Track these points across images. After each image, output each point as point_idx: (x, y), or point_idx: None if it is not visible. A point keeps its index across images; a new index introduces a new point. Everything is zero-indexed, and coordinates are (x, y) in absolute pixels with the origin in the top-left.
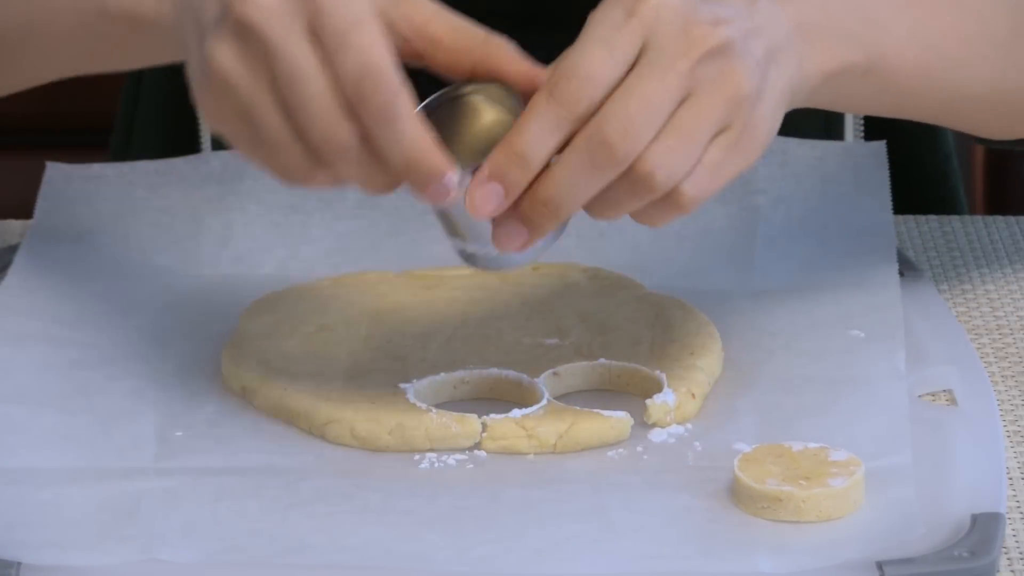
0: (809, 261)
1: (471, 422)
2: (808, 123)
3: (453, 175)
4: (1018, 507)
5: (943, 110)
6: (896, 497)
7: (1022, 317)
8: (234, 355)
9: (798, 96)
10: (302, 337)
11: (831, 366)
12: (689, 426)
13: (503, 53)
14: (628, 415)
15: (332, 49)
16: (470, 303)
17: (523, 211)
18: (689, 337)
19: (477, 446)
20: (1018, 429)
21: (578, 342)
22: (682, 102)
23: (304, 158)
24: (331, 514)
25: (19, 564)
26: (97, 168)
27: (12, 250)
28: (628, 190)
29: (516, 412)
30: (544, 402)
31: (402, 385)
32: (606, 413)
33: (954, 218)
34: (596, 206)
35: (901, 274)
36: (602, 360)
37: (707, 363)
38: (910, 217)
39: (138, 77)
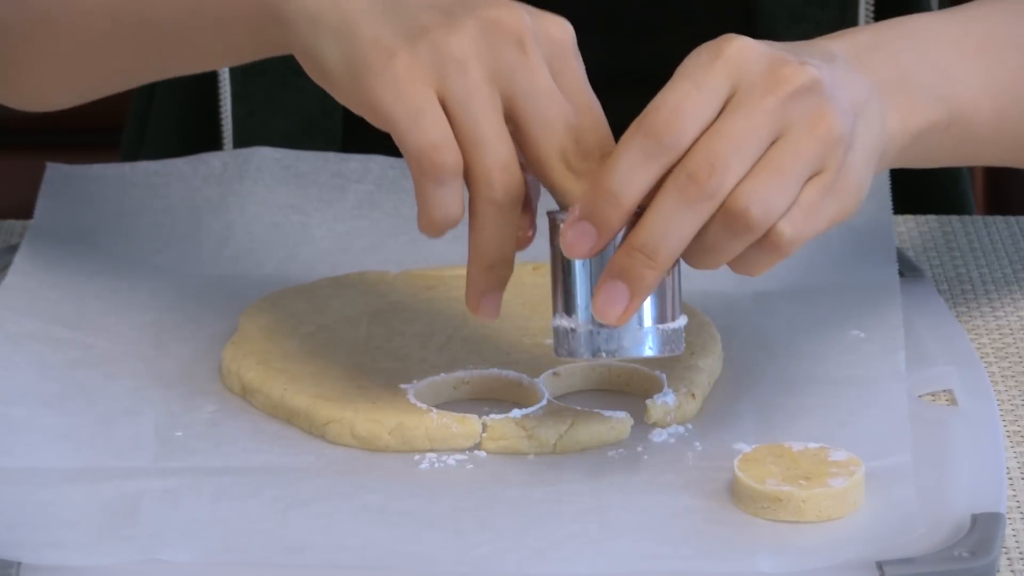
0: (809, 261)
1: (471, 422)
2: None
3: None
4: (1018, 507)
5: (1017, 153)
6: (896, 497)
7: (1022, 317)
8: (234, 355)
9: (887, 157)
10: (302, 337)
11: (831, 366)
12: (689, 426)
13: None
14: (628, 415)
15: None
16: None
17: (619, 264)
18: (689, 337)
19: (477, 446)
20: (1018, 429)
21: None
22: (775, 141)
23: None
24: (331, 514)
25: (19, 564)
26: (97, 168)
27: (12, 250)
28: (725, 231)
29: (516, 412)
30: (544, 402)
31: (402, 385)
32: (606, 413)
33: (954, 218)
34: (695, 253)
35: (901, 274)
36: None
37: (707, 363)
38: (910, 217)
39: None
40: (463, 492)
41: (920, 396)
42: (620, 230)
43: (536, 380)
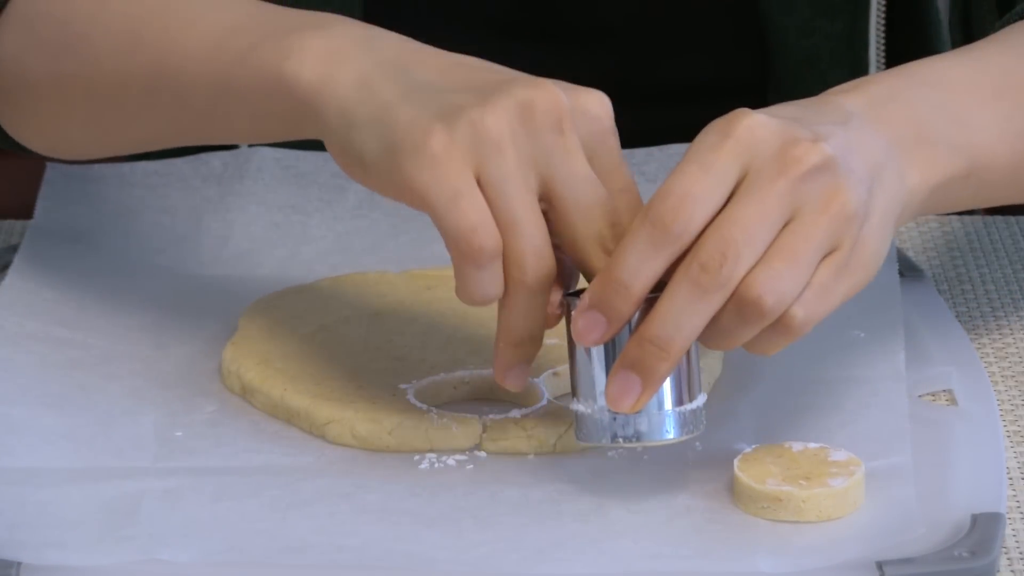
0: None
1: (471, 422)
2: None
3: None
4: (1018, 507)
5: None
6: (896, 497)
7: (1022, 317)
8: (234, 355)
9: (907, 212)
10: (302, 337)
11: (831, 366)
12: None
13: None
14: None
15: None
16: None
17: (632, 355)
18: None
19: (477, 446)
20: (1018, 429)
21: None
22: (788, 223)
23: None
24: (331, 514)
25: (19, 564)
26: (97, 168)
27: (12, 250)
28: (737, 318)
29: (516, 412)
30: (544, 402)
31: (402, 385)
32: None
33: (954, 218)
34: (709, 337)
35: (901, 274)
36: None
37: (707, 363)
38: None
39: None
40: (463, 492)
41: (920, 396)
42: (631, 318)
43: (536, 380)
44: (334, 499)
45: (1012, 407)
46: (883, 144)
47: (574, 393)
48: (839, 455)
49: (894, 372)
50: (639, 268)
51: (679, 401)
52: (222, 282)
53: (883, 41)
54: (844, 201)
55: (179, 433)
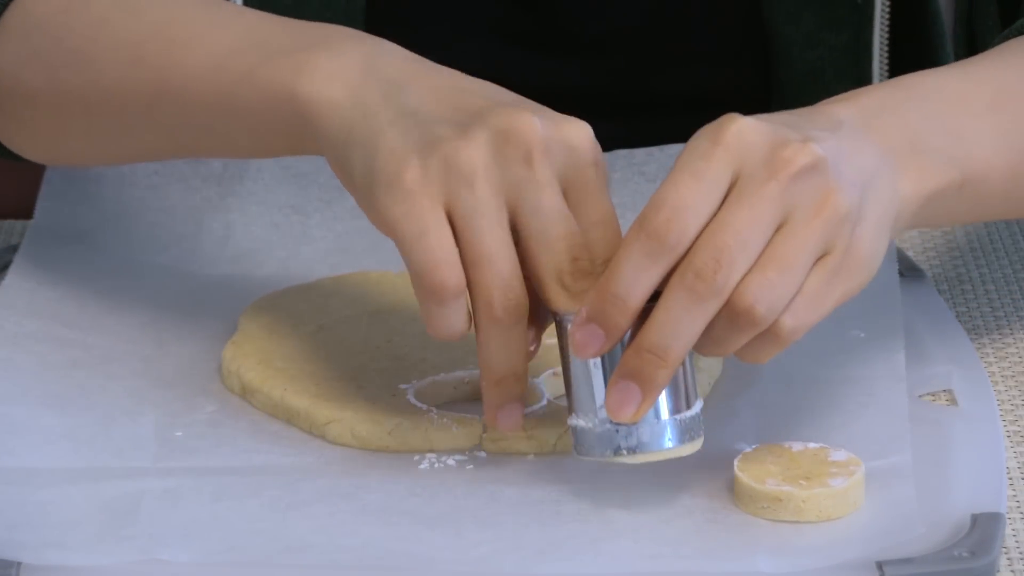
0: None
1: (471, 422)
2: None
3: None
4: (1018, 507)
5: None
6: (896, 497)
7: (1022, 317)
8: (234, 355)
9: (900, 222)
10: (302, 337)
11: (831, 366)
12: None
13: None
14: None
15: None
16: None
17: (630, 365)
18: None
19: (477, 447)
20: (1018, 429)
21: None
22: (781, 226)
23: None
24: (331, 514)
25: (19, 564)
26: (97, 168)
27: (12, 250)
28: (730, 325)
29: None
30: (544, 402)
31: (402, 385)
32: None
33: None
34: (703, 344)
35: (901, 274)
36: None
37: (707, 363)
38: None
39: None
40: (463, 492)
41: (920, 396)
42: (628, 330)
43: (536, 380)
44: (334, 499)
45: (1012, 407)
46: (875, 152)
47: (571, 409)
48: (839, 455)
49: (894, 372)
50: (635, 280)
51: (676, 410)
52: (222, 282)
53: (887, 54)
54: (836, 202)
55: (179, 433)
